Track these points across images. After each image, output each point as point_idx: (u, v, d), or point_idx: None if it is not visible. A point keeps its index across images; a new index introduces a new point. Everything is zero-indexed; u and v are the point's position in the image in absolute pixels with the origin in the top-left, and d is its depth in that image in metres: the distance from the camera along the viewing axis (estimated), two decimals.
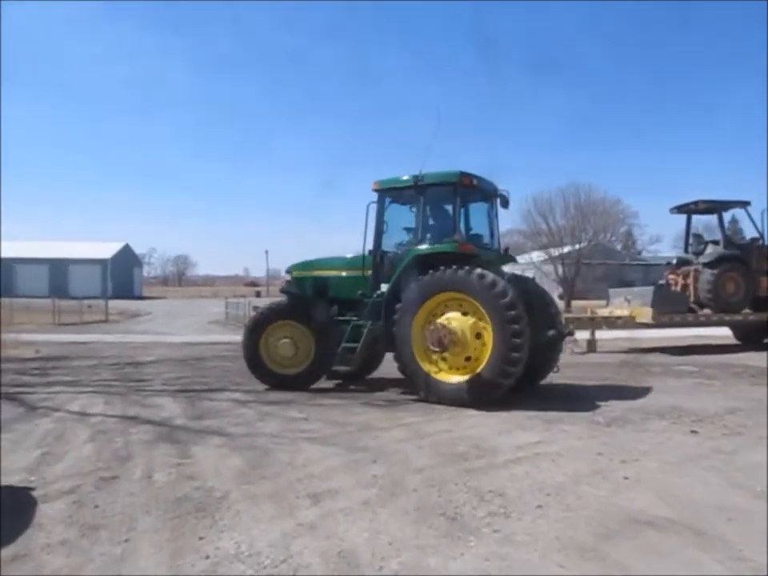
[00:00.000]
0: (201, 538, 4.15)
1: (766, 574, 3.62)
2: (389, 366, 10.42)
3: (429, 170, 9.69)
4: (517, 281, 9.53)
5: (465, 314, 8.83)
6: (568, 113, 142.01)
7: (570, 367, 13.42)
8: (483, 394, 8.48)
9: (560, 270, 53.26)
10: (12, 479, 5.41)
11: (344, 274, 10.50)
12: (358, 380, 11.01)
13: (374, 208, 10.02)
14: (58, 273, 68.45)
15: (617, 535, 4.14)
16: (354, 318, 9.98)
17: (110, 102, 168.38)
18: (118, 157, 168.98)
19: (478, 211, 10.48)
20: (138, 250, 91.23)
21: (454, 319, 8.78)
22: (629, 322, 16.91)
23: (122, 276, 75.21)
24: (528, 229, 58.01)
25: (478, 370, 8.56)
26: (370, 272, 10.02)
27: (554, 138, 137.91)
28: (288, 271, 11.46)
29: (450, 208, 9.81)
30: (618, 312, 17.35)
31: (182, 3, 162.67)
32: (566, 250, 54.20)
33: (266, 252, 72.28)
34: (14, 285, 64.03)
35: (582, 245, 53.85)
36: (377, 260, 9.99)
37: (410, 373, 9.15)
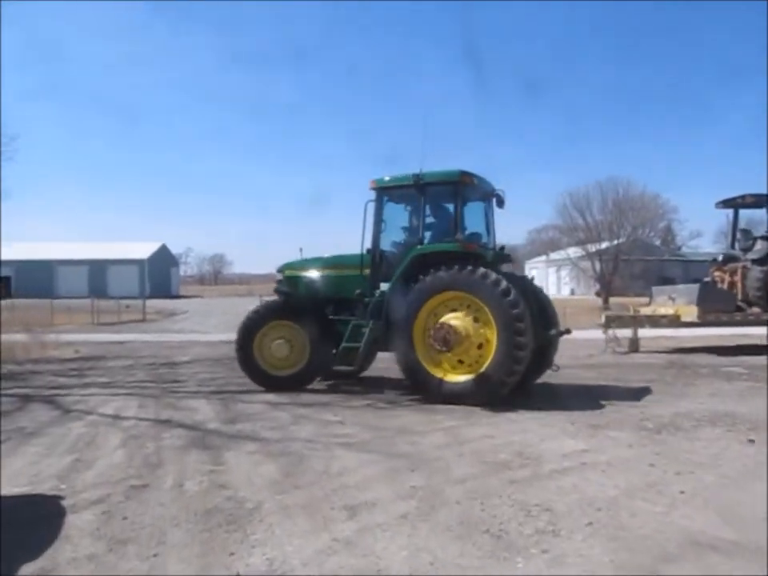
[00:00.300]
0: (231, 554, 3.95)
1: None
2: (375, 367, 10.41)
3: (428, 170, 9.62)
4: (516, 280, 9.44)
5: (466, 312, 8.81)
6: (605, 106, 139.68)
7: (612, 367, 13.04)
8: (489, 393, 8.45)
9: (597, 266, 52.20)
10: (43, 487, 5.29)
11: (341, 273, 10.36)
12: (350, 379, 10.81)
13: (372, 207, 9.91)
14: (97, 273, 69.61)
15: (677, 559, 3.81)
16: (352, 318, 9.82)
17: (145, 103, 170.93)
18: (153, 158, 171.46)
19: (475, 210, 10.39)
20: (175, 249, 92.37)
21: (457, 318, 8.75)
22: (673, 321, 16.33)
23: (160, 276, 76.17)
24: (564, 224, 57.14)
25: (483, 368, 8.53)
26: (368, 271, 9.88)
27: (590, 132, 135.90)
28: (279, 271, 11.35)
29: (449, 207, 9.78)
30: (662, 310, 16.76)
31: (219, 3, 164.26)
32: (604, 245, 53.05)
33: (301, 250, 71.82)
34: (54, 286, 65.41)
35: (621, 240, 52.70)
36: (375, 259, 9.85)
37: (411, 372, 9.07)
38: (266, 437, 6.93)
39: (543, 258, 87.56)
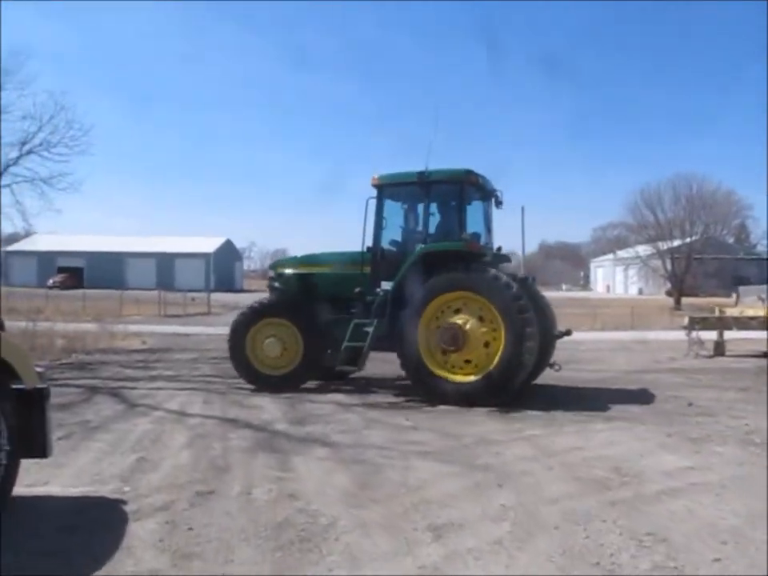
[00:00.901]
0: None
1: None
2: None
3: (432, 168, 9.44)
4: (521, 282, 9.26)
5: (472, 312, 8.70)
6: (678, 104, 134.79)
7: (700, 372, 12.20)
8: (494, 394, 8.32)
9: (668, 264, 50.14)
10: (105, 488, 5.00)
11: (340, 270, 10.02)
12: (341, 379, 10.40)
13: (373, 204, 9.64)
14: (165, 266, 71.22)
15: None
16: (349, 317, 9.44)
17: (209, 99, 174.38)
18: (219, 153, 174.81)
19: (477, 210, 10.17)
20: (239, 244, 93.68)
21: (465, 318, 8.66)
22: (763, 323, 15.19)
23: (224, 270, 77.39)
24: (634, 221, 55.26)
25: (489, 369, 8.43)
26: (368, 269, 9.57)
27: (665, 129, 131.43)
28: (272, 267, 10.99)
29: (454, 205, 9.61)
30: (751, 312, 15.65)
31: (281, 4, 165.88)
32: (676, 243, 50.92)
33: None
34: (124, 277, 67.27)
35: (693, 238, 50.48)
36: (377, 257, 9.56)
37: (415, 372, 8.84)
38: (337, 441, 6.51)
39: (610, 256, 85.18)
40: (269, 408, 8.32)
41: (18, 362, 4.37)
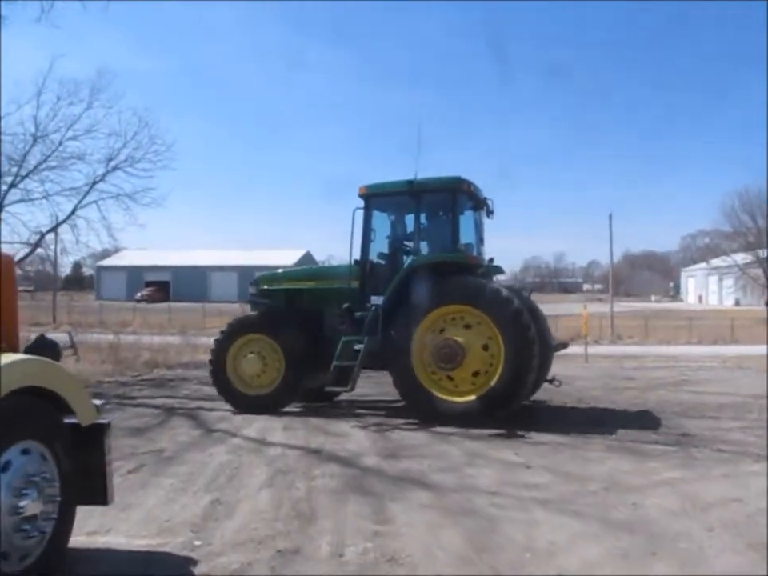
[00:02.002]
0: None
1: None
2: None
3: (422, 177, 8.96)
4: (520, 295, 8.97)
5: (468, 327, 8.23)
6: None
7: None
8: (493, 413, 7.88)
9: None
10: (175, 541, 4.24)
11: (326, 285, 9.54)
12: (323, 400, 9.80)
13: (360, 215, 9.13)
14: (246, 279, 71.84)
15: None
16: (338, 333, 8.81)
17: (288, 114, 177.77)
18: (299, 168, 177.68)
19: (468, 219, 9.60)
20: (318, 257, 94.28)
21: (460, 333, 8.19)
22: None
23: None
24: (731, 227, 51.98)
25: (488, 387, 7.99)
26: (356, 283, 9.05)
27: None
28: (253, 283, 10.32)
29: (445, 215, 9.09)
30: None
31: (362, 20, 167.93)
32: None
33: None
34: (208, 290, 68.69)
35: None
36: (365, 270, 9.05)
37: (409, 391, 8.38)
38: (438, 483, 5.55)
39: (702, 265, 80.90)
40: (356, 436, 7.48)
41: (71, 395, 3.67)
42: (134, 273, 73.88)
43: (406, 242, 9.30)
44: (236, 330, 9.46)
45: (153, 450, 6.77)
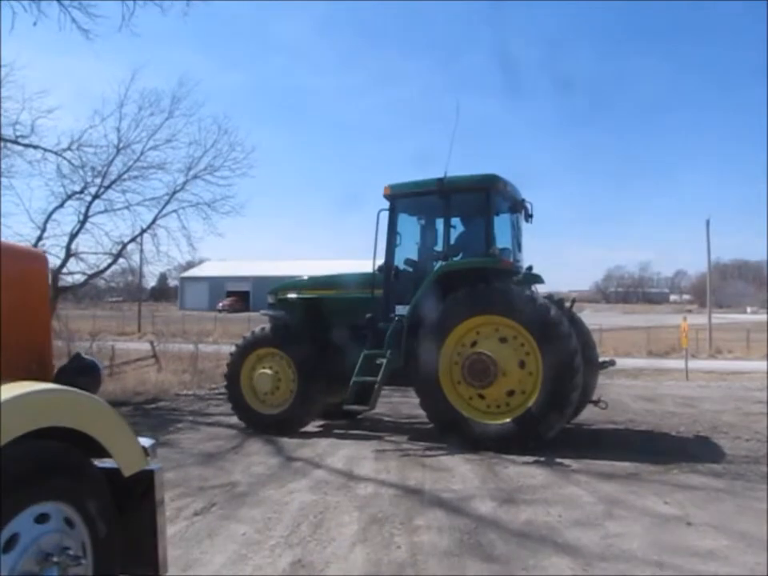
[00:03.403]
0: None
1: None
2: None
3: (453, 174, 8.06)
4: (558, 304, 8.02)
5: (503, 340, 7.38)
6: None
7: None
8: (536, 434, 7.02)
9: None
10: None
11: (347, 294, 8.71)
12: (345, 418, 9.02)
13: (385, 217, 8.29)
14: None
15: None
16: (359, 346, 8.01)
17: (372, 128, 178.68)
18: (376, 179, 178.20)
19: (504, 222, 8.60)
20: None
21: (495, 348, 7.33)
22: None
23: None
24: None
25: (526, 409, 7.14)
26: (380, 292, 8.25)
27: None
28: (271, 292, 9.37)
29: (479, 217, 8.15)
30: None
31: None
32: None
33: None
34: None
35: None
36: (390, 278, 8.21)
37: (437, 412, 7.55)
38: (577, 543, 4.30)
39: None
40: (460, 470, 6.30)
41: (110, 436, 2.71)
42: (216, 283, 75.14)
43: (434, 247, 8.39)
44: (251, 344, 8.74)
45: (225, 483, 5.83)
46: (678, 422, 9.15)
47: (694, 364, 18.49)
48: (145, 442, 3.06)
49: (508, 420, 7.19)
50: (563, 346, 7.06)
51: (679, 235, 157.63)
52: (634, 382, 14.96)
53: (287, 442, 7.68)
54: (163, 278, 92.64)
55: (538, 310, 7.22)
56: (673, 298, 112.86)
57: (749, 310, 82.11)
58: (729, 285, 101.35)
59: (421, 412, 7.92)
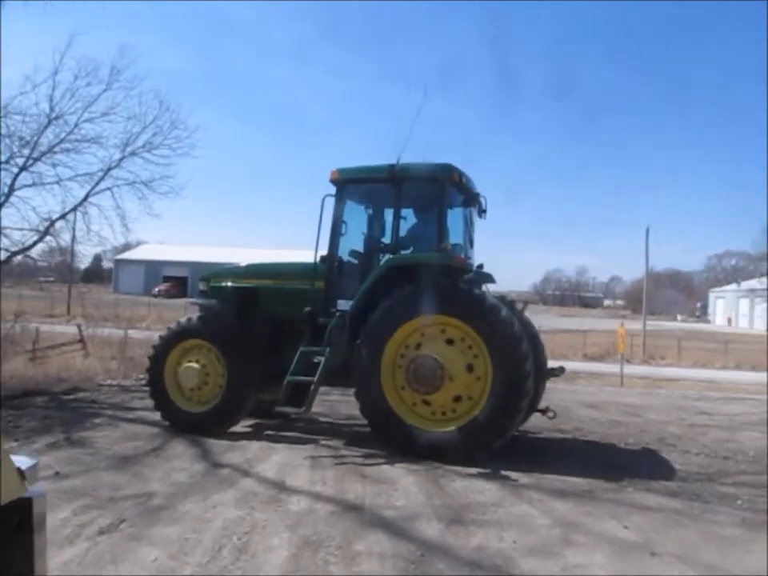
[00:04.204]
0: None
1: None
2: None
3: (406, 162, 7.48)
4: (510, 306, 7.70)
5: (450, 342, 6.90)
6: None
7: None
8: (478, 445, 6.59)
9: None
10: None
11: (285, 285, 8.11)
12: (278, 418, 8.28)
13: (331, 203, 7.73)
14: None
15: None
16: (296, 342, 7.43)
17: (316, 118, 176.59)
18: (318, 169, 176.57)
19: (457, 217, 8.15)
20: None
21: (442, 351, 6.84)
22: None
23: None
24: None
25: (473, 416, 6.69)
26: (321, 284, 7.69)
27: None
28: (203, 279, 8.76)
29: (431, 209, 7.59)
30: None
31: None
32: None
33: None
34: None
35: None
36: (333, 269, 7.69)
37: (376, 417, 7.01)
38: (531, 573, 3.86)
39: (733, 286, 78.64)
40: (403, 483, 5.77)
41: None
42: (152, 267, 72.84)
43: (382, 239, 7.89)
44: (177, 335, 7.99)
45: (140, 493, 5.15)
46: (626, 432, 8.89)
47: (628, 369, 18.64)
48: (23, 462, 2.41)
49: (452, 428, 6.72)
50: (514, 350, 6.63)
51: (617, 242, 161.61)
52: (573, 387, 14.80)
53: (214, 444, 7.01)
54: (97, 259, 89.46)
55: (488, 312, 6.75)
56: (607, 302, 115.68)
57: (679, 317, 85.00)
58: (661, 293, 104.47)
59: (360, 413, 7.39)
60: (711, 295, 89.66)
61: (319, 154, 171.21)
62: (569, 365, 19.09)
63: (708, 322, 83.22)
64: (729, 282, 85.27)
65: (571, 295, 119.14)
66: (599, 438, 8.44)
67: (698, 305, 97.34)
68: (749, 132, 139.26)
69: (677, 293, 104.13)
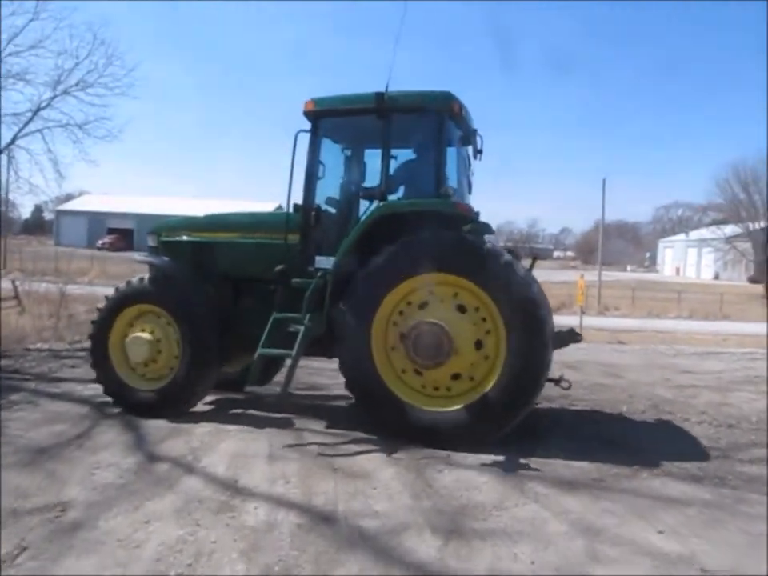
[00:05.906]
0: None
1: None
2: None
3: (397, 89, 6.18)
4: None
5: (462, 309, 5.77)
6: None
7: None
8: (489, 427, 5.58)
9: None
10: None
11: (252, 239, 6.78)
12: (237, 391, 7.47)
13: (305, 140, 6.39)
14: None
15: None
16: (267, 307, 6.21)
17: (269, 64, 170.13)
18: (277, 118, 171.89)
19: (454, 156, 6.80)
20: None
21: (453, 318, 5.70)
22: None
23: None
24: (724, 200, 50.50)
25: (486, 390, 5.61)
26: (296, 237, 6.41)
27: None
28: (153, 233, 7.41)
29: (427, 145, 6.31)
30: None
31: None
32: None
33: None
34: None
35: None
36: (309, 220, 6.33)
37: (365, 393, 5.89)
38: None
39: (681, 236, 79.90)
40: (382, 477, 4.80)
41: None
42: (96, 219, 69.64)
43: (367, 183, 6.69)
44: (124, 299, 6.63)
45: (52, 503, 4.05)
46: (614, 397, 8.14)
47: (585, 321, 18.04)
48: None
49: (460, 406, 5.65)
50: (534, 317, 5.57)
51: (567, 193, 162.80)
52: None
53: (153, 427, 5.87)
54: (38, 210, 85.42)
55: (518, 285, 5.61)
56: (556, 254, 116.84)
57: (628, 268, 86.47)
58: (611, 243, 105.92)
59: (330, 383, 6.33)
60: (660, 245, 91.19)
61: (274, 103, 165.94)
62: None
63: (657, 272, 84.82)
64: (675, 233, 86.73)
65: (523, 247, 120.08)
66: (589, 406, 7.65)
67: (647, 255, 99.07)
68: (698, 83, 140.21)
69: (626, 243, 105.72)
